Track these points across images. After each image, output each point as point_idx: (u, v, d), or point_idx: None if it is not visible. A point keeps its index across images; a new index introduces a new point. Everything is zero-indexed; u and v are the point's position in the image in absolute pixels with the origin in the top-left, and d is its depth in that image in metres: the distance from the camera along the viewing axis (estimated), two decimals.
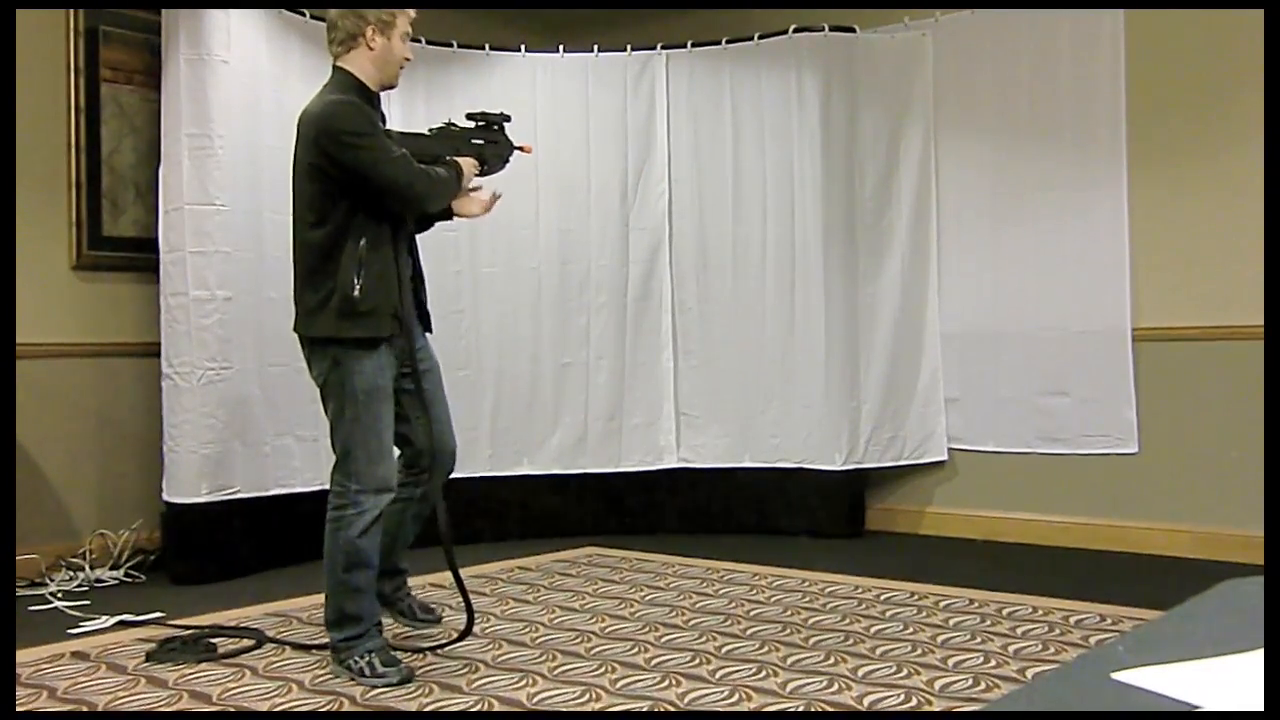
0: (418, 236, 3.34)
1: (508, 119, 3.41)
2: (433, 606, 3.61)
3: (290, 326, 4.61)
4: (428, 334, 3.37)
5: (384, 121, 3.23)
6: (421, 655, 3.20)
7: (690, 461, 5.39)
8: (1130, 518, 4.69)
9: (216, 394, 4.35)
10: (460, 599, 3.24)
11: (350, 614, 3.02)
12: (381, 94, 3.21)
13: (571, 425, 5.33)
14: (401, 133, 3.27)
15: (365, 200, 3.03)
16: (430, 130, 3.34)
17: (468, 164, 3.27)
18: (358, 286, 2.98)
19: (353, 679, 2.97)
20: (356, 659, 2.99)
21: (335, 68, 3.15)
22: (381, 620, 3.16)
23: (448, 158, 3.22)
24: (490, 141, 3.36)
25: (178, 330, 4.35)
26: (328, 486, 4.58)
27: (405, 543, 3.48)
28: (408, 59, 3.19)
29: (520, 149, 3.43)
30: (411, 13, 3.22)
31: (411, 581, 3.64)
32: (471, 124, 3.39)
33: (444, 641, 3.32)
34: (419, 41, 5.01)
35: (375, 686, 2.92)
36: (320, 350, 3.08)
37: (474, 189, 3.35)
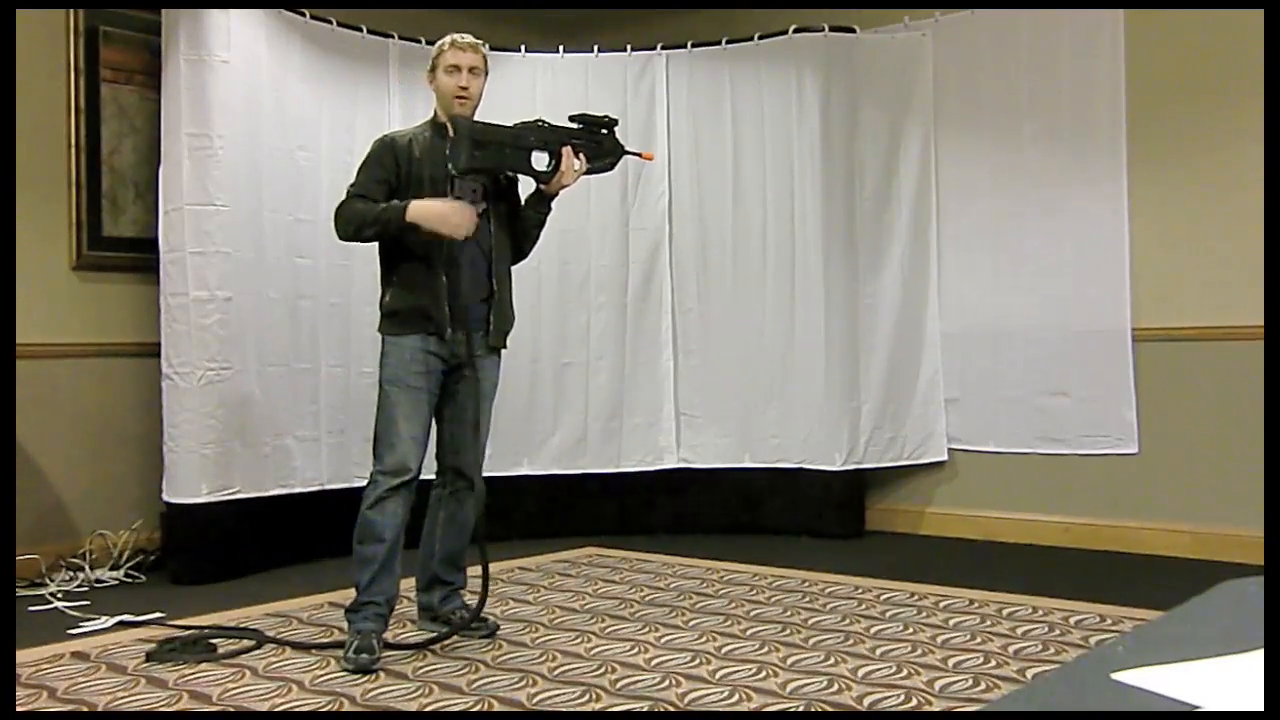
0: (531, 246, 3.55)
1: (615, 122, 3.47)
2: (485, 617, 3.52)
3: (291, 326, 4.65)
4: (500, 351, 3.46)
5: (469, 140, 3.32)
6: (421, 655, 3.20)
7: (690, 461, 5.39)
8: (1130, 518, 4.69)
9: (216, 394, 4.35)
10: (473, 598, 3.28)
11: (356, 580, 3.24)
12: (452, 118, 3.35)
13: (571, 425, 5.33)
14: (488, 124, 3.30)
15: None
16: (518, 123, 3.34)
17: (425, 208, 3.20)
18: (388, 293, 3.33)
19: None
20: (351, 632, 3.18)
21: None
22: (379, 608, 3.20)
23: (414, 206, 3.20)
24: (592, 142, 3.40)
25: (178, 330, 4.34)
26: (327, 487, 4.69)
27: (448, 552, 3.47)
28: (462, 87, 3.32)
29: (638, 155, 3.54)
30: (460, 41, 3.36)
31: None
32: (574, 125, 3.41)
33: (444, 633, 3.33)
34: (418, 42, 5.03)
35: (342, 664, 3.09)
36: (381, 343, 3.38)
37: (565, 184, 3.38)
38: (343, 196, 3.30)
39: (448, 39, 3.38)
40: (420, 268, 3.27)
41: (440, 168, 3.27)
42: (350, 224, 3.26)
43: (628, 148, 3.49)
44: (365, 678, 2.99)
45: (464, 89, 3.32)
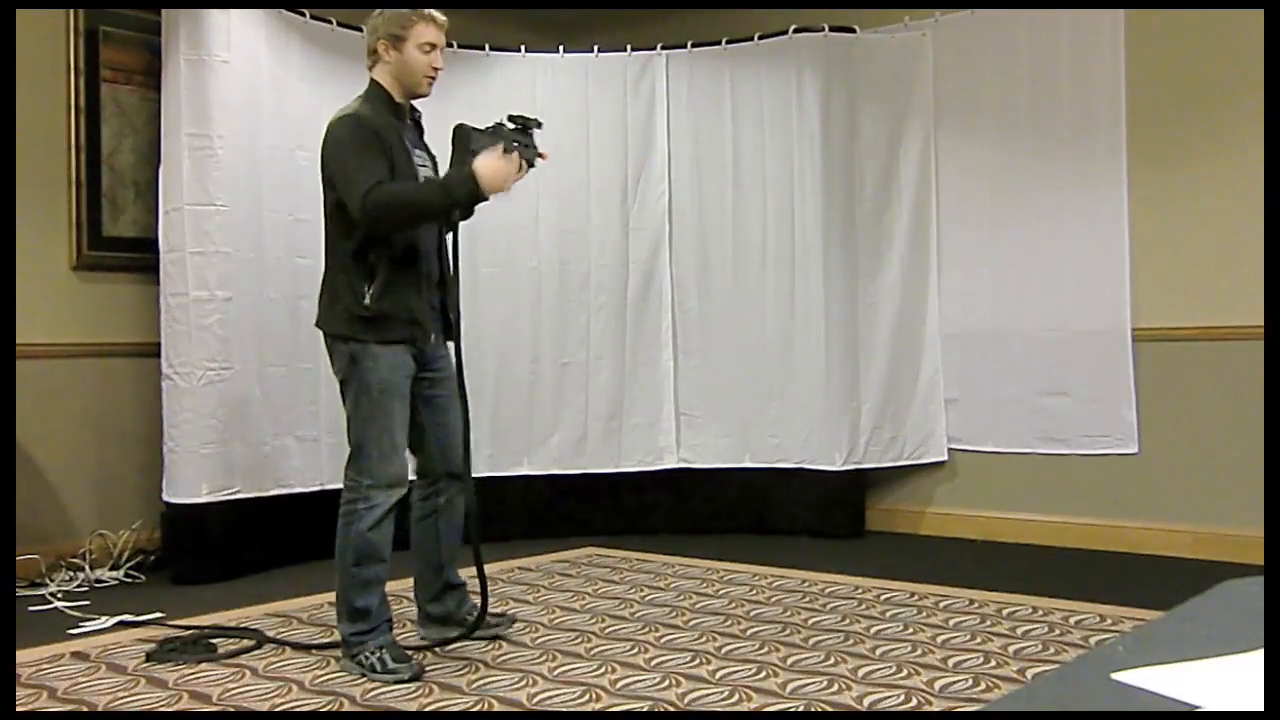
0: (451, 232, 3.32)
1: (538, 125, 3.36)
2: (501, 612, 3.50)
3: (291, 326, 4.64)
4: (450, 342, 3.29)
5: (420, 129, 3.26)
6: (421, 655, 3.19)
7: (690, 461, 5.39)
8: (1130, 518, 4.69)
9: (216, 394, 4.35)
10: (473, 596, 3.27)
11: (359, 608, 3.05)
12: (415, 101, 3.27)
13: (571, 425, 5.33)
14: (467, 126, 3.21)
15: None
16: (487, 128, 3.27)
17: (490, 169, 3.06)
18: (367, 295, 3.04)
19: (363, 674, 3.00)
20: (367, 654, 3.02)
21: (370, 79, 3.23)
22: (390, 622, 3.15)
23: (461, 174, 3.07)
24: (525, 145, 3.31)
25: (178, 330, 4.35)
26: (327, 486, 4.66)
27: (451, 556, 3.39)
28: (436, 68, 3.18)
29: (540, 155, 3.38)
30: (438, 17, 3.18)
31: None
32: (511, 125, 3.33)
33: (448, 638, 3.32)
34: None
35: (387, 682, 2.94)
36: (340, 346, 3.12)
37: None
38: (358, 190, 2.96)
39: (422, 11, 3.15)
40: (405, 267, 3.09)
41: (407, 153, 3.14)
42: (403, 211, 3.00)
43: (538, 147, 3.37)
44: (363, 678, 2.98)
45: (438, 70, 3.18)
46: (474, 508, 3.30)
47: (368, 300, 3.03)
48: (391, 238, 3.06)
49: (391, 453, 3.09)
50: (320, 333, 3.21)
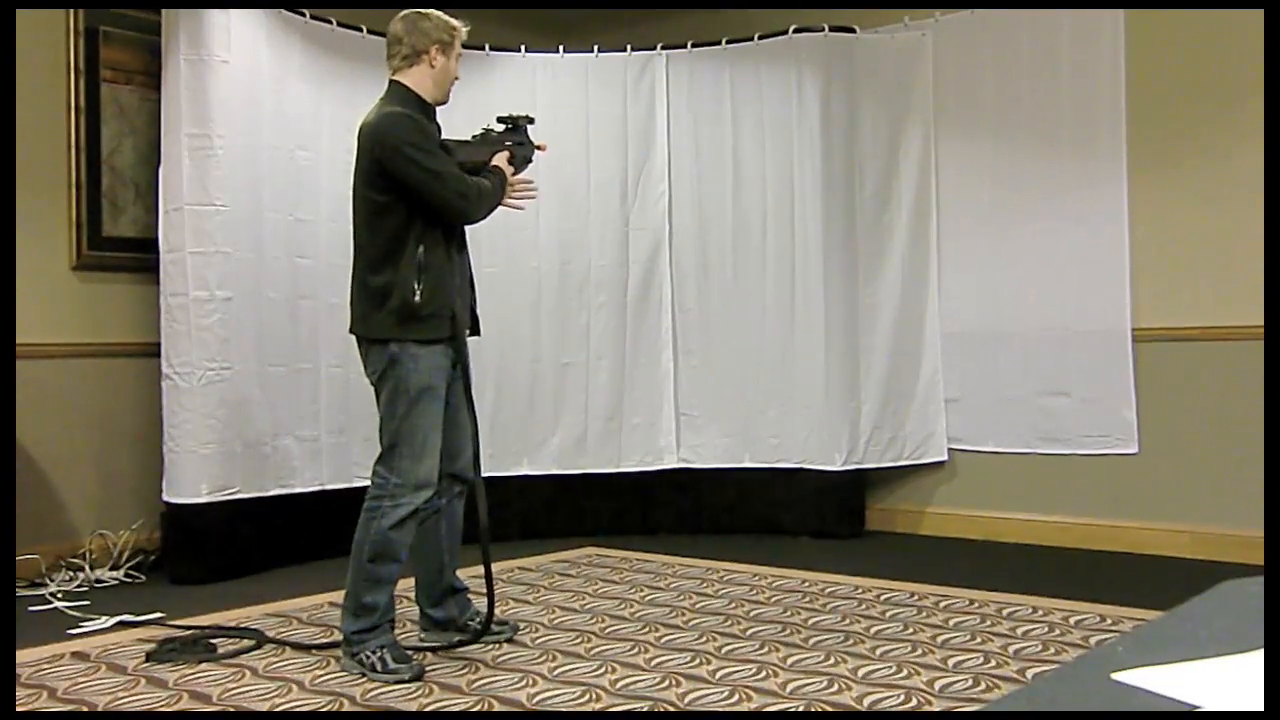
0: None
1: (531, 121, 3.46)
2: (505, 619, 3.50)
3: (291, 326, 4.64)
4: (474, 337, 3.39)
5: (440, 133, 3.28)
6: (421, 655, 3.19)
7: (690, 461, 5.39)
8: (1130, 518, 4.69)
9: (216, 394, 4.35)
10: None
11: (367, 604, 3.06)
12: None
13: (571, 425, 5.33)
14: (450, 140, 3.27)
15: (423, 207, 3.11)
16: (473, 136, 3.38)
17: (504, 164, 3.34)
18: (418, 291, 3.06)
19: (363, 674, 3.00)
20: (368, 653, 3.02)
21: (393, 81, 3.22)
22: (393, 622, 3.15)
23: (492, 165, 3.29)
24: (518, 143, 3.40)
25: (178, 330, 4.35)
26: (327, 487, 4.67)
27: (453, 559, 3.38)
28: (457, 77, 3.27)
29: (538, 148, 3.49)
30: (464, 33, 3.27)
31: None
32: (501, 126, 3.42)
33: (451, 642, 3.31)
34: None
35: (387, 682, 2.95)
36: (379, 349, 3.13)
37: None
38: (455, 183, 3.10)
39: (457, 24, 3.24)
40: (443, 262, 3.14)
41: None
42: (487, 202, 3.19)
43: (534, 141, 3.48)
44: (363, 678, 2.98)
45: (458, 78, 3.29)
46: (486, 514, 3.29)
47: (418, 298, 3.06)
48: (425, 237, 3.09)
49: (424, 454, 3.11)
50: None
